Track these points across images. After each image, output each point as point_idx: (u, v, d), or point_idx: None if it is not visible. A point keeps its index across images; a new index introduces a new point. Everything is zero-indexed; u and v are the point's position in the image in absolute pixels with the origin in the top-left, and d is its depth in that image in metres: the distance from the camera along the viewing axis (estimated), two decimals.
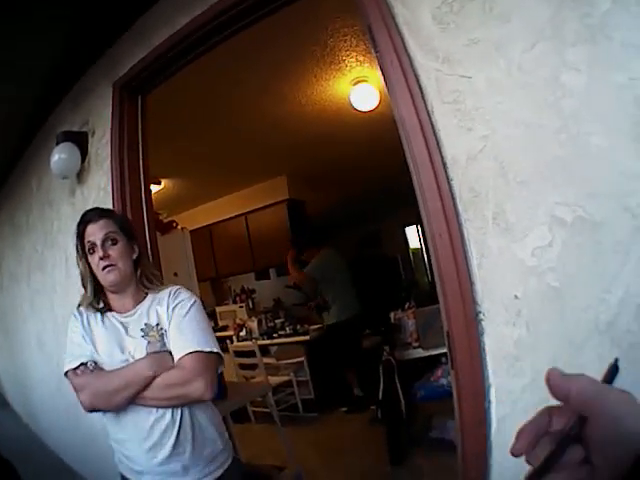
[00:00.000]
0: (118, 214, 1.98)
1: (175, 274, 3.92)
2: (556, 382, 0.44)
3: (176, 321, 1.62)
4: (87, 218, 1.72)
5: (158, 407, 1.55)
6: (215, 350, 1.58)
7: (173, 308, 1.65)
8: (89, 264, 1.69)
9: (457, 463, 1.61)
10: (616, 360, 0.46)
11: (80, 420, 1.93)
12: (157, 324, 1.65)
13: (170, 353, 1.58)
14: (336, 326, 5.27)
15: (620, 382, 1.27)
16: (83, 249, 1.69)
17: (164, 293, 1.71)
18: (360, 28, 2.75)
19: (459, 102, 1.48)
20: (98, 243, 1.66)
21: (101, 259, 1.64)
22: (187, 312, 1.63)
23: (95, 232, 1.67)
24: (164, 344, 1.61)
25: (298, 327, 6.03)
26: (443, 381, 3.60)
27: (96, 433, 1.87)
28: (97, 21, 2.50)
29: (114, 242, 1.69)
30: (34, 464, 3.68)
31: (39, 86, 3.03)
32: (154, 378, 1.52)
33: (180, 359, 1.55)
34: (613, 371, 0.45)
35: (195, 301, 1.69)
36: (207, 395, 1.52)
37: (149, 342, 1.61)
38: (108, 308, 1.71)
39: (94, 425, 1.82)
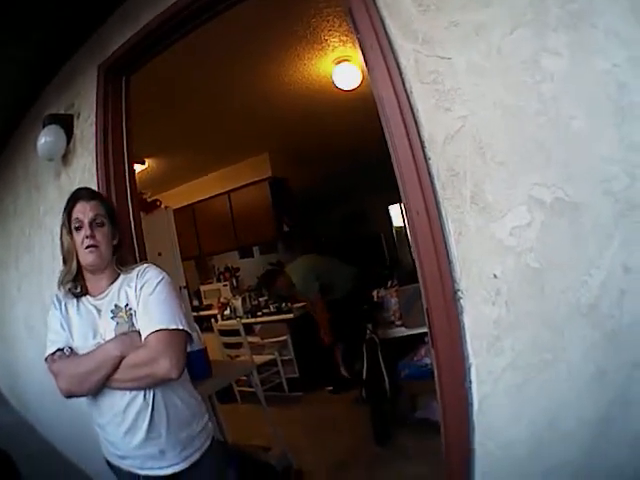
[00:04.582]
0: (107, 199, 2.00)
1: (159, 254, 3.94)
2: None
3: (143, 300, 1.63)
4: (79, 195, 1.74)
5: (129, 389, 1.56)
6: (181, 327, 1.57)
7: (140, 288, 1.66)
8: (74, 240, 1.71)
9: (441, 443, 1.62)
10: None
11: (68, 404, 1.95)
12: (126, 305, 1.66)
13: (139, 333, 1.59)
14: (334, 302, 5.15)
15: (605, 368, 1.29)
16: (70, 225, 1.70)
17: (133, 273, 1.72)
18: (342, 9, 2.75)
19: (438, 82, 1.49)
20: (86, 222, 1.68)
21: (87, 238, 1.66)
22: (153, 290, 1.63)
23: (85, 211, 1.69)
24: (132, 324, 1.62)
25: (283, 305, 6.03)
26: (427, 360, 3.57)
27: (84, 417, 1.89)
28: (84, 3, 2.47)
29: (101, 225, 1.71)
30: (27, 451, 3.67)
31: (25, 70, 2.99)
32: (122, 359, 1.53)
33: (146, 338, 1.55)
34: None
35: (162, 278, 1.68)
36: (173, 373, 1.50)
37: (117, 323, 1.63)
38: (85, 292, 1.73)
39: (82, 409, 1.85)
